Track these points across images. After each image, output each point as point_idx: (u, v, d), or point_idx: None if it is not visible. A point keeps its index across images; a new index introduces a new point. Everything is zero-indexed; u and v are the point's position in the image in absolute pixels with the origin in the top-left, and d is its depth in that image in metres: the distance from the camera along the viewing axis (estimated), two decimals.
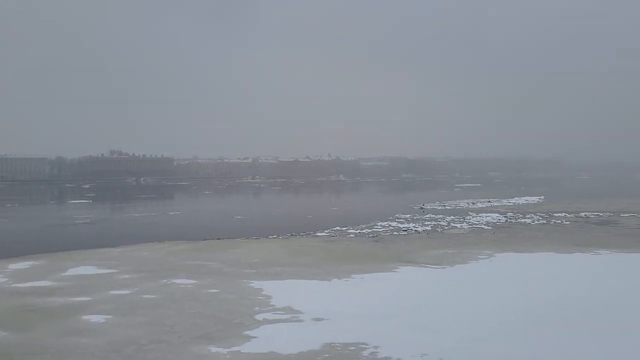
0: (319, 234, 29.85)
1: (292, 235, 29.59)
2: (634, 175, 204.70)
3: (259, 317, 11.83)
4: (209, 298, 13.75)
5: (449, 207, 49.78)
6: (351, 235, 29.24)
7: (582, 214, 39.96)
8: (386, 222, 34.95)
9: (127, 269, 18.31)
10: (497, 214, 40.07)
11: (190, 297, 13.83)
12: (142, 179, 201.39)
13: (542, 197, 65.56)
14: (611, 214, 40.36)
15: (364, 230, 30.99)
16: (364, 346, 9.65)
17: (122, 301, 13.49)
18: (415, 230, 30.81)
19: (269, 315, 11.94)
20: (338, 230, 31.32)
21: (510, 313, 12.00)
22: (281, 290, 14.59)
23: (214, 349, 9.63)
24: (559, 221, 35.33)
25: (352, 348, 9.59)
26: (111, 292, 14.58)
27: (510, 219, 37.27)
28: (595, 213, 40.83)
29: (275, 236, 29.04)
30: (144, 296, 14.03)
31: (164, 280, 16.08)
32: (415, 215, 40.74)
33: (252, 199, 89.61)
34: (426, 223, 34.68)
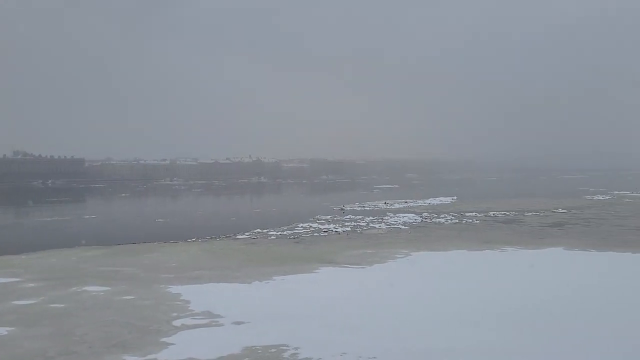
0: (240, 236, 29.54)
1: (212, 238, 29.06)
2: (537, 176, 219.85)
3: (177, 322, 11.51)
4: (123, 305, 13.19)
5: (368, 208, 50.95)
6: (272, 237, 29.18)
7: (491, 213, 42.34)
8: (307, 224, 35.21)
9: (33, 278, 17.15)
10: (413, 214, 41.54)
11: (102, 305, 13.20)
12: (50, 181, 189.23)
13: (455, 197, 68.67)
14: (516, 213, 43.07)
15: (285, 232, 31.03)
16: (284, 348, 9.66)
17: (27, 311, 12.62)
18: (336, 231, 31.27)
19: (188, 321, 11.65)
20: (259, 232, 31.14)
21: (426, 309, 12.48)
22: (200, 295, 14.27)
23: (128, 358, 9.25)
24: (470, 220, 37.23)
25: (272, 350, 9.57)
26: (14, 302, 13.59)
27: (425, 218, 38.76)
28: (503, 212, 43.39)
29: (194, 239, 28.39)
30: (52, 305, 13.21)
31: (74, 288, 15.22)
32: (335, 217, 41.35)
33: (171, 202, 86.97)
34: (346, 224, 35.30)
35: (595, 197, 65.46)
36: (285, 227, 33.38)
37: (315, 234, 30.14)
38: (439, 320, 11.45)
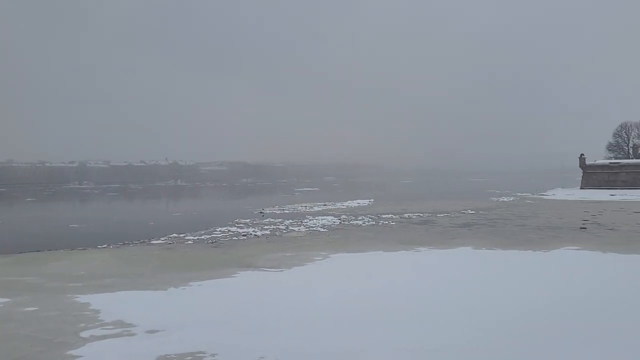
0: (155, 241, 28.55)
1: (124, 244, 27.86)
2: (449, 179, 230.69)
3: (85, 334, 10.92)
4: (26, 317, 12.32)
5: (288, 211, 51.08)
6: (189, 241, 28.47)
7: (406, 215, 43.88)
8: (225, 227, 34.71)
9: None
10: (332, 217, 42.15)
11: (3, 318, 12.26)
12: None
13: (372, 200, 70.50)
14: (430, 214, 44.94)
15: (202, 237, 30.39)
16: (201, 355, 9.45)
17: None
18: (255, 235, 31.05)
19: (97, 331, 11.08)
20: (175, 237, 30.27)
21: (343, 311, 12.67)
22: (111, 303, 13.64)
23: None
24: (386, 222, 38.34)
25: (188, 358, 9.32)
26: None
27: (343, 221, 39.45)
28: (417, 214, 45.12)
29: (105, 246, 27.08)
30: None
31: None
32: (255, 220, 41.07)
33: (81, 207, 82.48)
34: (265, 227, 35.16)
35: (501, 199, 69.68)
36: (203, 232, 32.71)
37: (234, 238, 29.76)
38: (358, 321, 11.67)
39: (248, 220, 41.06)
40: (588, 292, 14.27)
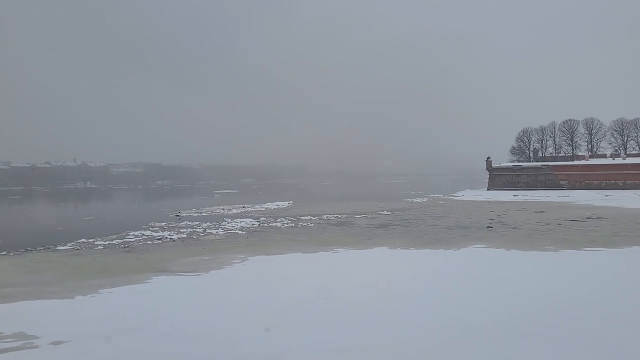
0: (61, 247, 26.90)
1: (27, 250, 26.02)
2: (367, 181, 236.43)
3: None
4: None
5: (206, 214, 50.06)
6: (99, 247, 27.09)
7: (325, 216, 44.43)
8: (139, 232, 33.37)
9: None
10: (251, 219, 41.80)
11: None
12: None
13: (291, 201, 70.72)
14: (348, 215, 45.79)
15: (114, 241, 29.03)
16: None
17: None
18: (171, 239, 30.13)
19: None
20: (84, 242, 28.69)
21: (260, 314, 12.59)
22: (11, 315, 12.69)
23: None
24: (305, 224, 38.60)
25: None
26: None
27: (262, 223, 39.24)
28: (335, 215, 45.82)
29: (4, 253, 25.15)
30: None
31: None
32: (170, 223, 39.86)
33: None
34: (182, 230, 34.22)
35: (415, 200, 72.37)
36: (115, 236, 31.28)
37: (148, 242, 28.69)
38: (277, 323, 11.63)
39: (163, 223, 39.78)
40: (493, 287, 15.14)
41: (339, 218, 43.38)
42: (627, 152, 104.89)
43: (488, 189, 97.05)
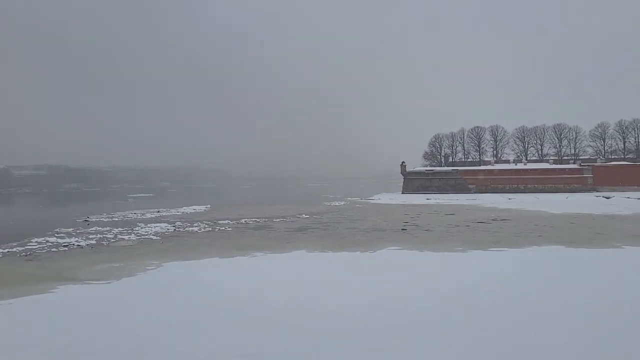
0: None
1: None
2: (287, 185, 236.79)
3: None
4: None
5: (117, 219, 47.90)
6: None
7: (243, 220, 43.97)
8: (43, 238, 31.31)
9: None
10: (166, 224, 40.52)
11: None
12: None
13: (209, 205, 69.40)
14: (266, 219, 45.61)
15: (14, 249, 27.03)
16: None
17: None
18: (78, 245, 28.52)
19: None
20: None
21: (172, 321, 12.20)
22: None
23: None
24: (223, 228, 37.99)
25: None
26: None
27: (178, 228, 38.17)
28: (254, 219, 45.48)
29: None
30: None
31: None
32: (78, 229, 37.75)
33: None
34: (91, 237, 32.50)
35: (333, 204, 73.42)
36: (16, 243, 29.15)
37: (53, 249, 26.97)
38: (187, 330, 11.32)
39: (71, 229, 37.60)
40: (407, 287, 15.65)
41: (258, 222, 43.10)
42: (528, 158, 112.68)
43: (403, 193, 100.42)
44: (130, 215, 52.65)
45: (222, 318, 12.42)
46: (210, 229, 37.07)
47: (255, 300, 14.36)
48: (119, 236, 32.70)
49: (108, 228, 38.04)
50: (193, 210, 59.38)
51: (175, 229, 37.18)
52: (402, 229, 35.76)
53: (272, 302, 13.98)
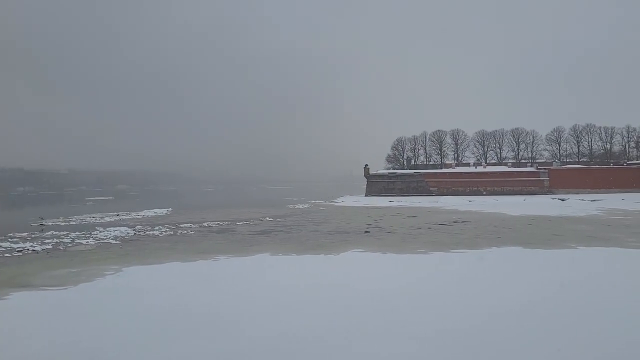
0: None
1: None
2: (250, 188, 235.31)
3: None
4: None
5: (75, 223, 46.57)
6: None
7: (205, 224, 43.43)
8: None
9: None
10: (126, 228, 39.63)
11: None
12: None
13: (171, 209, 68.28)
14: (229, 222, 45.19)
15: None
16: None
17: None
18: (33, 250, 27.55)
19: None
20: None
21: (129, 327, 11.92)
22: None
23: None
24: (185, 231, 37.43)
25: None
26: None
27: (139, 231, 37.39)
28: (217, 222, 44.98)
29: None
30: None
31: None
32: (33, 233, 36.50)
33: None
34: (46, 241, 31.46)
35: (297, 206, 73.42)
36: None
37: (6, 255, 25.99)
38: (143, 338, 11.09)
39: (25, 233, 36.31)
40: (371, 287, 15.75)
41: (221, 225, 42.66)
42: (488, 162, 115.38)
43: (366, 195, 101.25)
44: (89, 219, 51.30)
45: (182, 325, 12.22)
46: (172, 233, 36.47)
47: (216, 305, 14.20)
48: (77, 240, 31.79)
49: (65, 232, 36.94)
50: (154, 214, 58.31)
51: (135, 233, 36.40)
52: (366, 232, 36.02)
53: (232, 308, 13.84)
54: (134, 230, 38.29)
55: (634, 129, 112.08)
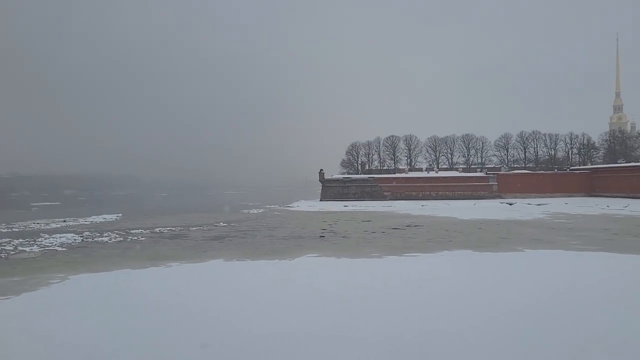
0: None
1: None
2: (204, 192, 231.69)
3: None
4: None
5: (18, 229, 44.61)
6: None
7: (157, 229, 42.46)
8: None
9: None
10: (73, 234, 38.26)
11: None
12: None
13: (121, 214, 66.41)
14: (182, 228, 44.34)
15: None
16: None
17: None
18: None
19: None
20: None
21: (73, 338, 11.53)
22: None
23: None
24: (136, 237, 36.47)
25: None
26: None
27: (87, 238, 36.18)
28: (169, 228, 44.05)
29: None
30: None
31: None
32: None
33: None
34: None
35: (252, 211, 72.83)
36: None
37: None
38: (86, 355, 10.73)
39: None
40: (326, 291, 15.80)
41: (173, 231, 41.82)
42: (439, 167, 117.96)
43: (321, 200, 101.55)
44: (33, 225, 49.26)
45: (135, 335, 11.89)
46: (122, 239, 35.47)
47: (169, 313, 13.89)
48: (20, 248, 30.48)
49: (7, 239, 35.31)
50: (103, 220, 56.57)
51: (83, 240, 35.20)
52: (321, 236, 36.10)
53: (186, 314, 13.58)
54: (81, 236, 37.00)
55: (577, 136, 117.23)
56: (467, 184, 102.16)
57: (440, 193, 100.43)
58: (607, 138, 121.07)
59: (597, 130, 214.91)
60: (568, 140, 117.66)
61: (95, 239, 35.59)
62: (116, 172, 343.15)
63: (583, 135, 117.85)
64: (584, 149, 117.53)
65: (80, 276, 20.56)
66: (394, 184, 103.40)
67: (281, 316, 13.16)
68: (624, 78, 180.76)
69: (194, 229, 43.55)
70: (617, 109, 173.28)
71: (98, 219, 57.82)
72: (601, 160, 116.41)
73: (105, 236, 37.36)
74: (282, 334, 11.57)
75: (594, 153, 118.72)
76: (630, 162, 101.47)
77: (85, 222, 52.74)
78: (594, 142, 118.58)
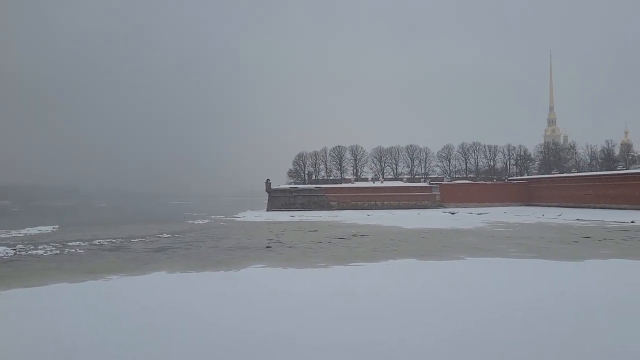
0: None
1: None
2: (148, 202, 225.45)
3: None
4: None
5: None
6: None
7: (97, 242, 40.89)
8: None
9: None
10: (4, 247, 36.23)
11: None
12: None
13: (57, 226, 63.60)
14: (123, 239, 42.90)
15: None
16: None
17: None
18: None
19: None
20: None
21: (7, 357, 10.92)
22: None
23: None
24: (74, 250, 34.98)
25: None
26: None
27: (20, 251, 34.39)
28: (109, 240, 42.51)
29: None
30: None
31: None
32: None
33: None
34: None
35: (197, 222, 71.44)
36: None
37: None
38: None
39: None
40: (270, 302, 15.67)
41: (114, 242, 40.41)
42: (385, 177, 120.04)
43: (268, 210, 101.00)
44: None
45: (70, 354, 11.36)
46: (58, 252, 33.92)
47: (105, 332, 13.38)
48: None
49: None
50: (38, 231, 53.94)
51: (15, 253, 33.43)
52: (267, 247, 35.88)
53: (121, 332, 13.12)
54: (13, 249, 35.13)
55: (514, 148, 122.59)
56: (411, 193, 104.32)
57: (385, 203, 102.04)
58: (542, 150, 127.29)
59: (533, 142, 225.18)
60: (506, 151, 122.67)
61: (29, 252, 33.88)
62: (54, 183, 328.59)
63: (520, 147, 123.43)
64: (520, 160, 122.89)
65: (10, 291, 19.51)
66: (340, 193, 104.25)
67: (222, 328, 12.93)
68: (557, 93, 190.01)
69: (136, 240, 42.26)
70: (551, 122, 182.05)
71: (33, 230, 55.08)
72: (537, 171, 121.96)
73: (40, 249, 35.62)
74: (219, 346, 11.37)
75: (530, 164, 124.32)
76: (563, 173, 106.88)
77: (19, 234, 50.12)
78: (530, 154, 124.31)
